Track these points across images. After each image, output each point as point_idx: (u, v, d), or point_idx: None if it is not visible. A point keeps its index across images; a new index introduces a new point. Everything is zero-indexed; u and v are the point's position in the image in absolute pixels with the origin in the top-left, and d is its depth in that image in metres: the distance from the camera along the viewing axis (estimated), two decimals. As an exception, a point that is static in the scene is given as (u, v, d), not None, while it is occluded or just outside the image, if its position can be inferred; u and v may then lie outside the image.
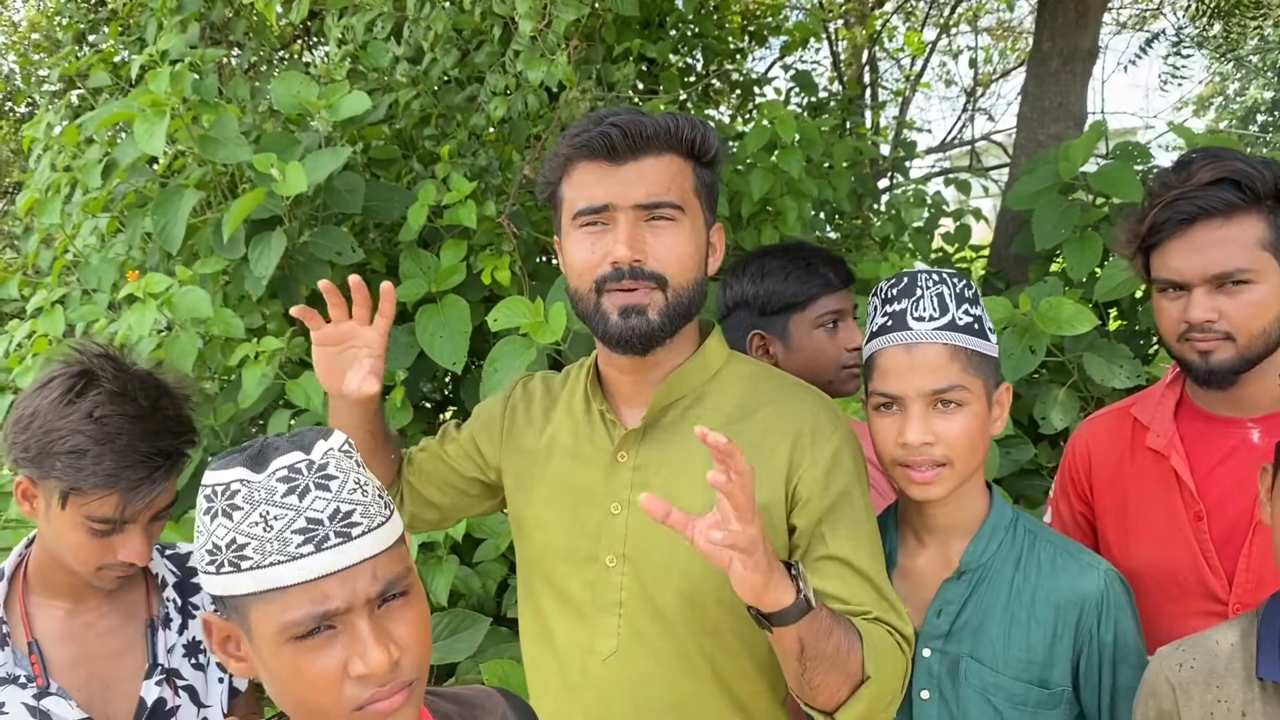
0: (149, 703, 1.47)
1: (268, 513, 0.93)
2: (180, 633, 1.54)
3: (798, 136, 2.96)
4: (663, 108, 3.11)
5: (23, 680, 1.41)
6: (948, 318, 1.38)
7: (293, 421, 2.55)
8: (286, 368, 2.48)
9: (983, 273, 3.67)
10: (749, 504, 1.10)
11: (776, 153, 2.96)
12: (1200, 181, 1.48)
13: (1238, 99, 17.45)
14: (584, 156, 1.34)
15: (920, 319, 1.38)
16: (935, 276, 1.41)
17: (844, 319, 1.94)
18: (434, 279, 2.62)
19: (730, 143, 3.92)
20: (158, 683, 1.49)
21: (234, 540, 0.93)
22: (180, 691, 1.51)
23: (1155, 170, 3.11)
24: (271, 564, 0.93)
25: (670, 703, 1.38)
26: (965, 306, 1.40)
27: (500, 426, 1.56)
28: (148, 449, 1.36)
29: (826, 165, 3.34)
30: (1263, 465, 1.23)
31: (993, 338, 1.43)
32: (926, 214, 3.69)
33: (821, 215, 3.73)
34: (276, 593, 0.93)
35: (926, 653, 1.44)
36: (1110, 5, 5.19)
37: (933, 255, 3.72)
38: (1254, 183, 1.47)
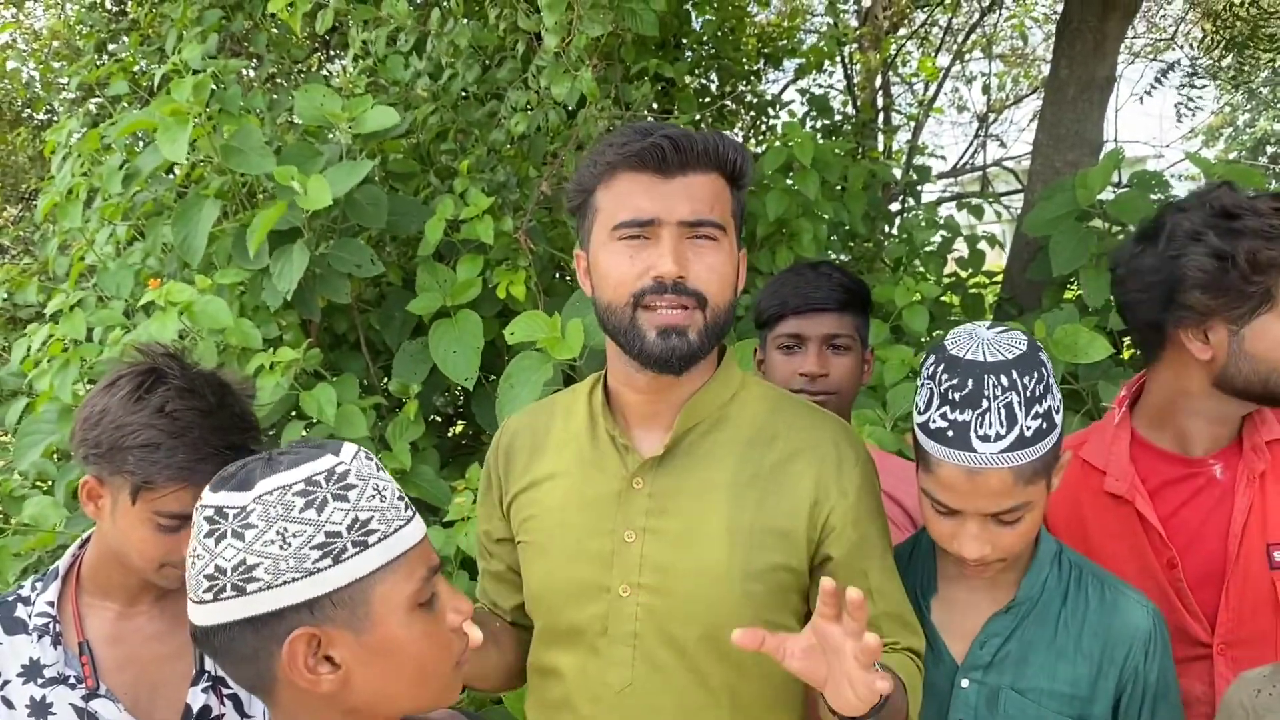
0: (194, 710, 1.47)
1: (379, 484, 0.99)
2: None
3: (814, 158, 2.96)
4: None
5: (72, 681, 1.41)
6: (1015, 433, 1.27)
7: (305, 432, 2.55)
8: (301, 379, 2.48)
9: (996, 298, 3.67)
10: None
11: (793, 174, 2.97)
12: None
13: (1247, 130, 17.49)
14: (631, 167, 1.30)
15: (985, 438, 1.27)
16: (1004, 380, 1.27)
17: (802, 345, 1.91)
18: (450, 293, 2.63)
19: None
20: (204, 690, 1.48)
21: (356, 519, 0.96)
22: (226, 700, 1.50)
23: (1173, 199, 3.12)
24: (396, 529, 0.99)
25: None
26: (1034, 408, 1.28)
27: (502, 477, 1.50)
28: (219, 443, 1.37)
29: (840, 188, 3.34)
30: None
31: (1059, 417, 1.33)
32: (939, 238, 3.69)
33: (835, 238, 3.74)
34: (403, 558, 0.98)
35: (965, 684, 1.43)
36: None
37: (945, 280, 3.72)
38: None
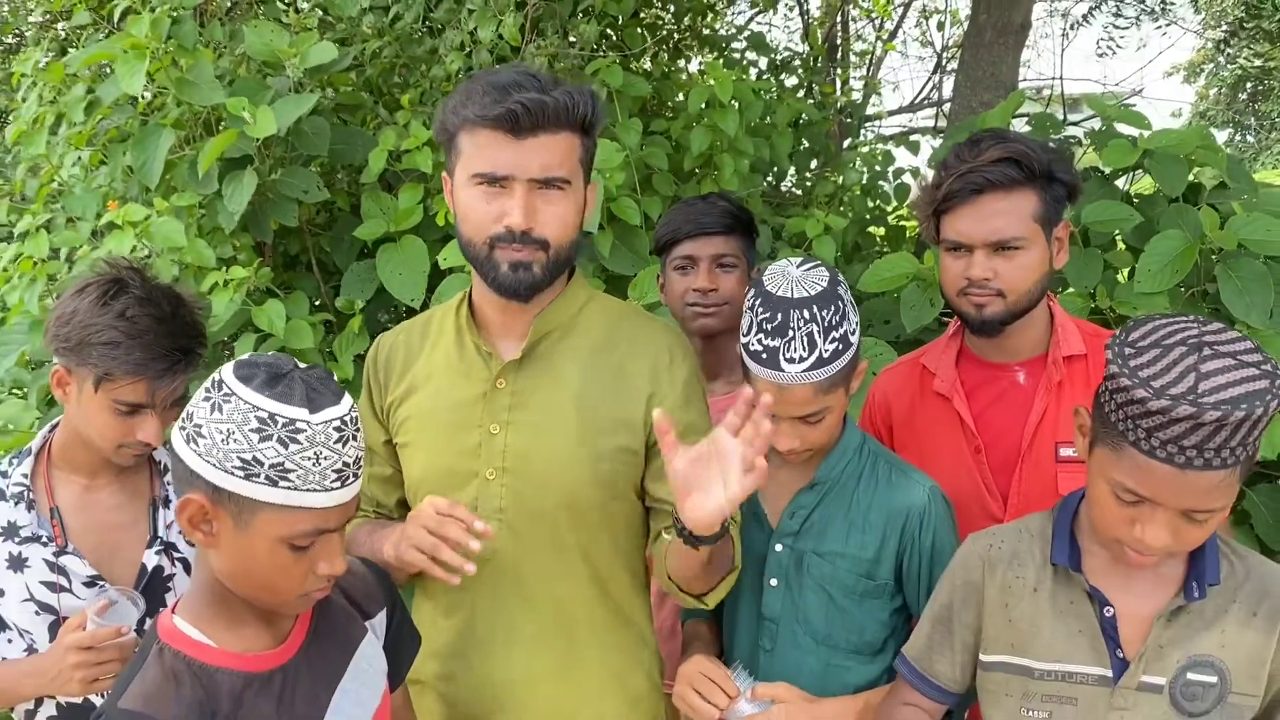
0: (149, 569, 1.74)
1: (320, 453, 1.18)
2: None
3: (732, 96, 3.15)
4: (618, 67, 3.29)
5: (44, 539, 1.68)
6: (815, 355, 1.54)
7: (259, 348, 2.78)
8: (254, 295, 2.71)
9: (916, 232, 3.90)
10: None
11: (714, 111, 3.16)
12: (989, 159, 1.73)
13: (1228, 67, 17.55)
14: (489, 126, 1.48)
15: (791, 360, 1.54)
16: (806, 314, 1.54)
17: (695, 265, 2.20)
18: (393, 219, 2.85)
19: (681, 96, 4.11)
20: (157, 553, 1.75)
21: (282, 464, 1.16)
22: (176, 562, 1.78)
23: (1070, 139, 3.34)
24: (308, 490, 1.18)
25: (550, 590, 1.61)
26: (832, 334, 1.55)
27: (380, 386, 1.71)
28: (170, 345, 1.63)
29: (767, 123, 3.53)
30: (1076, 407, 1.41)
31: (855, 337, 1.60)
32: (867, 174, 3.91)
33: (771, 175, 3.93)
34: (295, 510, 1.18)
35: (779, 548, 1.71)
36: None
37: (868, 214, 3.95)
38: (1031, 162, 1.72)
